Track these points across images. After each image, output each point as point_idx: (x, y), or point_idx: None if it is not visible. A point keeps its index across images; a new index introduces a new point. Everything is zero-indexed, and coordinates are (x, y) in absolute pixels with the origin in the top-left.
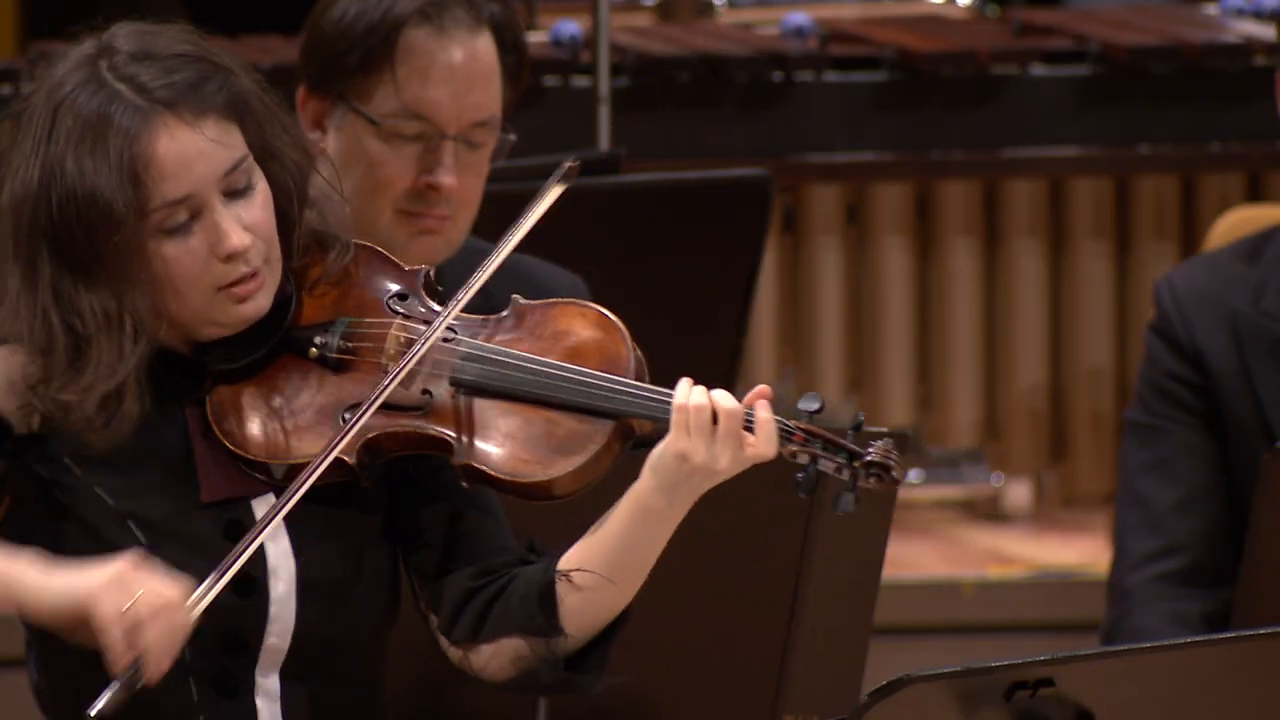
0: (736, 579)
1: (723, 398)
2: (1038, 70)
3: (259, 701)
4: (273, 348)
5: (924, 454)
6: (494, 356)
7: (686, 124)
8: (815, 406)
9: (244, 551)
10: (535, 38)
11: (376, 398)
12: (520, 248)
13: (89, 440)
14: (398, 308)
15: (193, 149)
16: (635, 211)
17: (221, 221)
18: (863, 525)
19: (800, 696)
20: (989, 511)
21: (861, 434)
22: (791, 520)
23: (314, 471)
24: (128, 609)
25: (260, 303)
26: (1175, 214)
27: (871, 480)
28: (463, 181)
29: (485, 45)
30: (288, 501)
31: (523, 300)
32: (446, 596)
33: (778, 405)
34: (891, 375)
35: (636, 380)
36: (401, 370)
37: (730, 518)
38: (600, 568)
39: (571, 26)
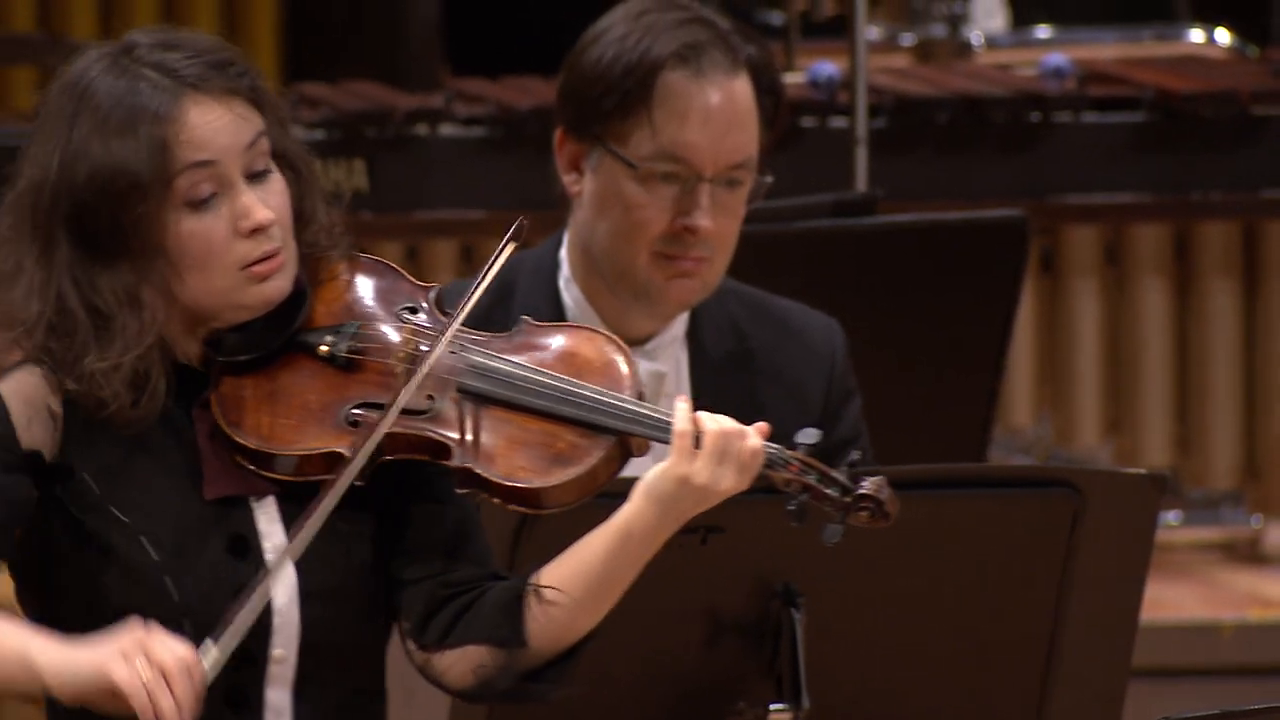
0: (994, 621)
1: (726, 421)
2: None
3: (268, 718)
4: (284, 343)
5: (1183, 496)
6: (501, 367)
7: (944, 165)
8: (812, 440)
9: (263, 592)
10: (793, 79)
11: (403, 393)
12: (774, 290)
13: (121, 421)
14: (408, 319)
15: (218, 120)
16: (892, 252)
17: (244, 197)
18: (1120, 567)
19: None
20: (1249, 553)
21: (855, 469)
22: (1049, 562)
23: (350, 473)
24: (148, 674)
25: (281, 284)
26: None
27: (863, 514)
28: (719, 224)
29: (742, 87)
30: (321, 503)
31: (532, 320)
32: (420, 601)
33: (1035, 447)
34: (1150, 416)
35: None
36: (423, 371)
37: (987, 561)
38: (575, 588)
39: (829, 68)
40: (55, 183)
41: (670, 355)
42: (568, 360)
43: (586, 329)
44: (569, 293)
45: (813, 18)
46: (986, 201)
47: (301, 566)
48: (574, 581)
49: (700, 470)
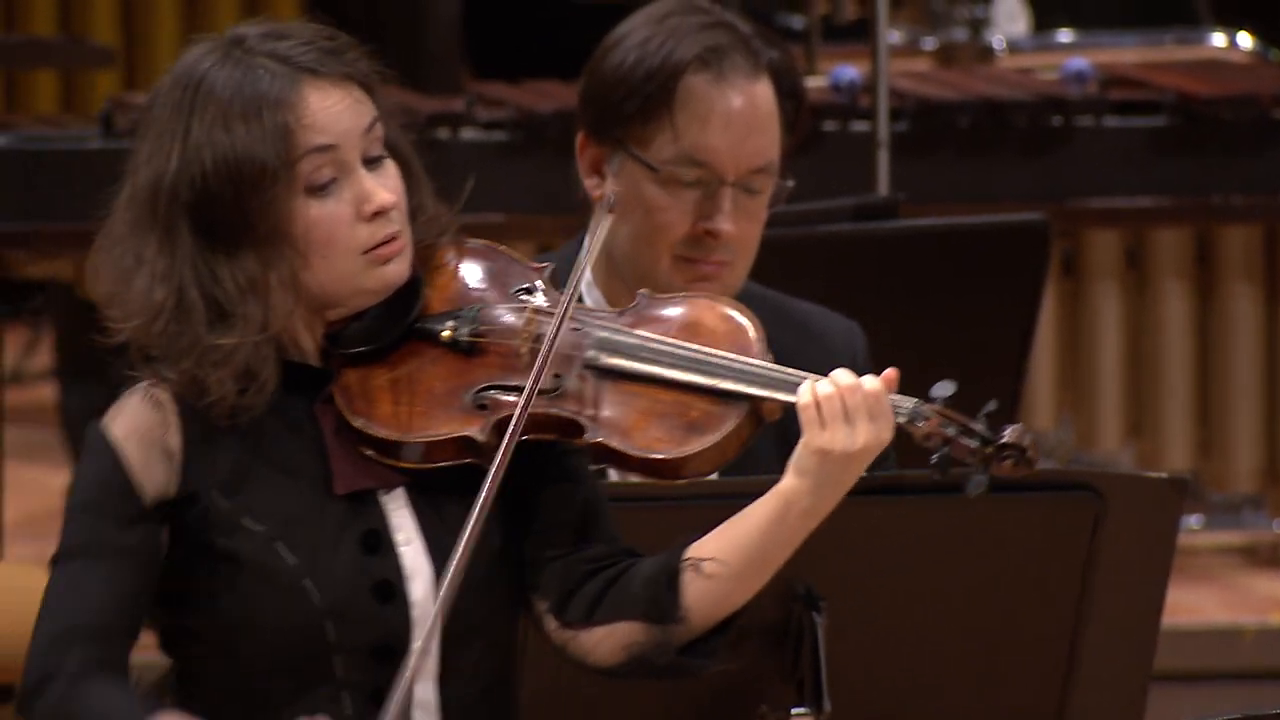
0: (1015, 625)
1: (842, 376)
2: None
3: (416, 715)
4: (403, 332)
5: (1205, 499)
6: (626, 340)
7: (966, 168)
8: (948, 392)
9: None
10: (814, 83)
11: (538, 372)
12: (796, 294)
13: (222, 411)
14: (525, 299)
15: (337, 105)
16: (914, 256)
17: (365, 181)
18: (1142, 571)
19: None
20: (1271, 558)
21: (994, 418)
22: (1069, 566)
23: (504, 454)
24: None
25: (401, 267)
26: None
27: (1006, 463)
28: (741, 227)
29: (764, 91)
30: (494, 476)
31: (650, 293)
32: (559, 578)
33: (1057, 451)
34: (1171, 420)
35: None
36: (548, 350)
37: (1008, 564)
38: (734, 561)
39: (850, 71)
40: (175, 175)
41: None
42: (692, 329)
43: (706, 297)
44: (590, 296)
45: (834, 21)
46: (1008, 205)
47: (437, 557)
48: (732, 554)
49: (835, 437)
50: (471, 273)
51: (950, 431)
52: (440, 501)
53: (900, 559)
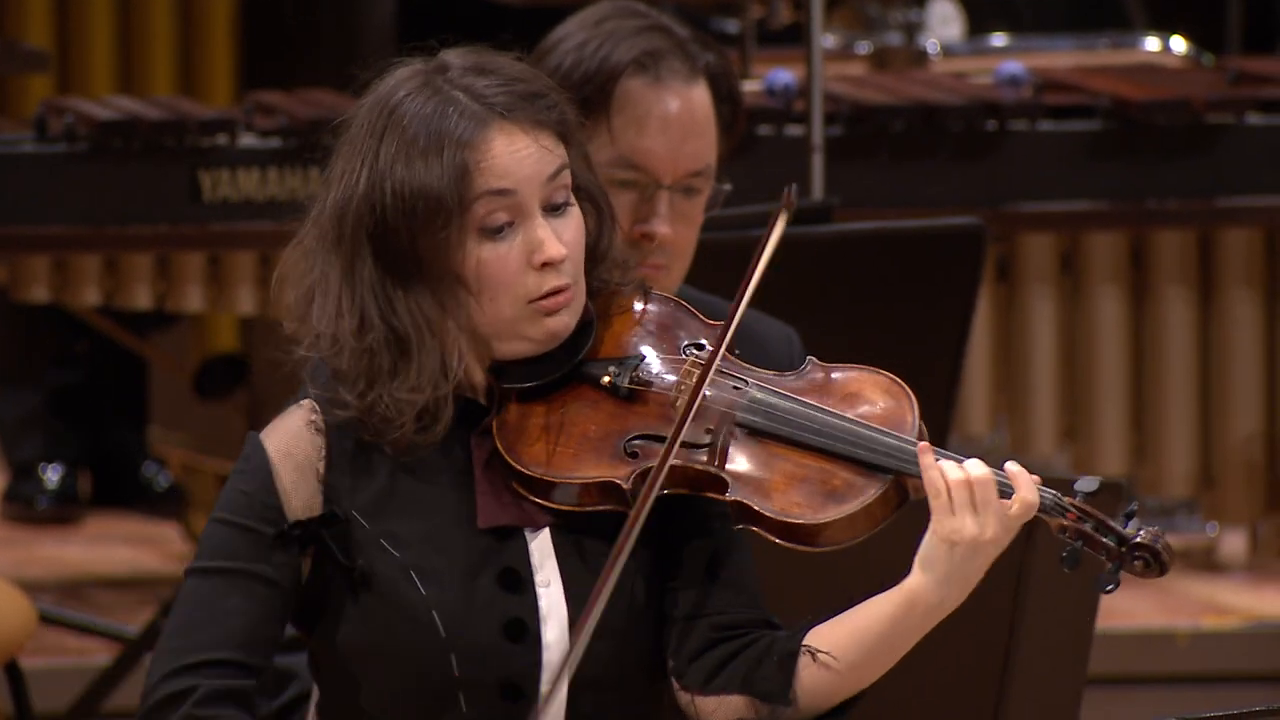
0: (949, 632)
1: (975, 468)
2: (1253, 119)
3: None
4: (568, 372)
5: (1139, 504)
6: (779, 403)
7: (900, 173)
8: (1092, 488)
9: (599, 600)
10: (749, 87)
11: (680, 425)
12: (733, 297)
13: (399, 448)
14: (693, 354)
15: (522, 150)
16: (849, 261)
17: (539, 230)
18: (1076, 576)
19: None
20: (1204, 561)
21: (1133, 519)
22: (1004, 571)
23: (640, 519)
24: None
25: (567, 319)
26: None
27: (1138, 564)
28: (677, 231)
29: (701, 95)
30: (632, 523)
31: (818, 361)
32: (689, 640)
33: (991, 455)
34: (1105, 424)
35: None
36: (695, 403)
37: None
38: (849, 653)
39: (785, 76)
40: (361, 199)
41: None
42: (850, 399)
43: (872, 370)
44: None
45: (769, 26)
46: (943, 209)
47: (574, 601)
48: (850, 645)
49: (963, 525)
50: (647, 323)
51: (1087, 527)
52: (585, 548)
53: (835, 563)
